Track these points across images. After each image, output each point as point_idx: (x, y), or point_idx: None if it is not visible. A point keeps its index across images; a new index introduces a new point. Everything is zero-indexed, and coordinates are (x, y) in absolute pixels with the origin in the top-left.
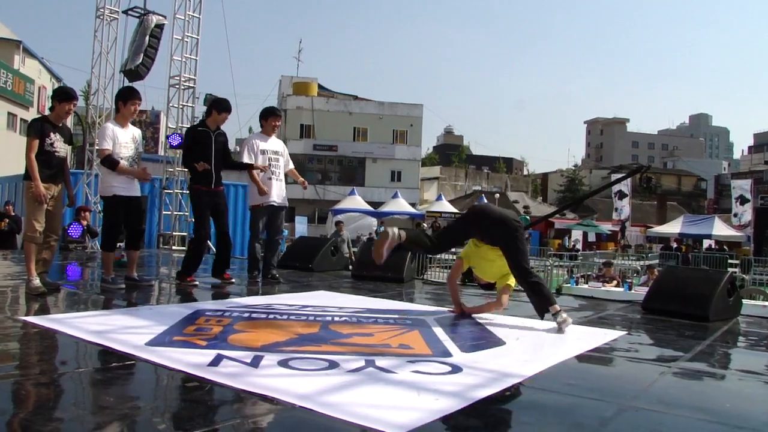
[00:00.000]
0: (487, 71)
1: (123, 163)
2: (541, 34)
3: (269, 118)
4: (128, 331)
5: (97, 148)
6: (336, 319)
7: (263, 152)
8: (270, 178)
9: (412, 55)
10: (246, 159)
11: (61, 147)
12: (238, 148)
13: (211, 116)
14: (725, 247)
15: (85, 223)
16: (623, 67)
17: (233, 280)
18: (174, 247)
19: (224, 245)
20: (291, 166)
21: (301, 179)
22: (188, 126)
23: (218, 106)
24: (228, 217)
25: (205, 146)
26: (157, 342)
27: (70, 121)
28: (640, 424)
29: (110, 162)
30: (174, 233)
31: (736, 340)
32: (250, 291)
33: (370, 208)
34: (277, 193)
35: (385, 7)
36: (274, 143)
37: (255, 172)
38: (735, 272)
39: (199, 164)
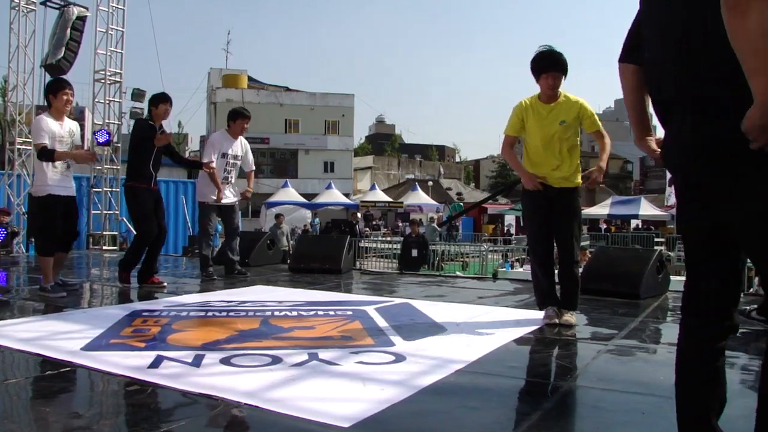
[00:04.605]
0: (417, 59)
1: (59, 152)
2: (471, 22)
3: (238, 120)
4: (62, 336)
5: (33, 143)
6: (276, 313)
7: (224, 155)
8: (222, 182)
9: (342, 45)
10: (205, 158)
11: None
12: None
13: (151, 112)
14: (651, 226)
15: (8, 227)
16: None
17: (164, 284)
18: (105, 247)
19: (157, 247)
20: (252, 168)
21: (250, 188)
22: (115, 122)
23: (153, 101)
24: (164, 217)
25: (149, 141)
26: (93, 346)
27: None
28: (582, 401)
29: (47, 153)
30: (104, 233)
31: (666, 316)
32: (187, 288)
33: (304, 200)
34: (229, 192)
35: None
36: (237, 146)
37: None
38: (662, 250)
39: (208, 166)
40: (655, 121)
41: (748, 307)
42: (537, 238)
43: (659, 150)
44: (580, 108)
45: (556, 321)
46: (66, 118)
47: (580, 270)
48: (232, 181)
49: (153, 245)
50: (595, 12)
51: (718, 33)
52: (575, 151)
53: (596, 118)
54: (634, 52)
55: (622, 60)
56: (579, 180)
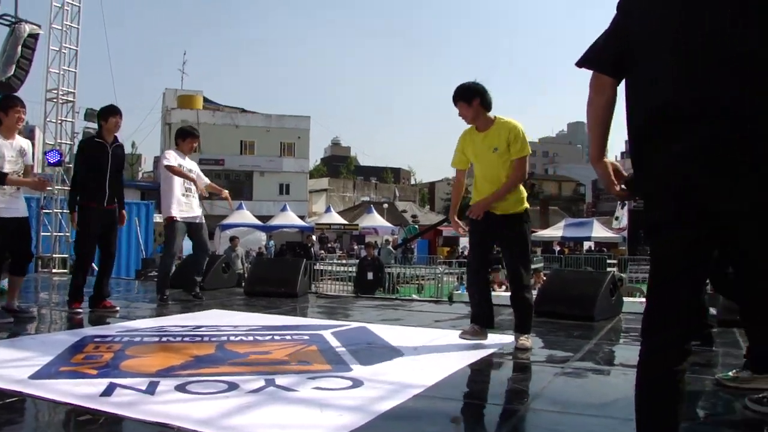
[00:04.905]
0: (373, 82)
1: (11, 178)
2: (427, 45)
3: (187, 138)
4: (9, 364)
5: None
6: (232, 338)
7: (180, 166)
8: (185, 195)
9: (299, 67)
10: (174, 164)
11: None
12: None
13: (101, 127)
14: (604, 248)
15: None
16: (506, 77)
17: (117, 308)
18: (54, 270)
19: (107, 270)
20: (206, 180)
21: (225, 192)
22: (67, 142)
23: (102, 115)
24: (116, 239)
25: (99, 159)
26: (42, 374)
27: None
28: (539, 425)
29: None
30: (54, 255)
31: (619, 337)
32: (140, 313)
33: (259, 222)
34: (196, 208)
35: (271, 17)
36: (189, 162)
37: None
38: (614, 272)
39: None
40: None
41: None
42: (471, 261)
43: (617, 179)
44: (509, 132)
45: (468, 338)
46: (17, 136)
47: (535, 292)
48: (195, 195)
49: (101, 268)
50: (550, 37)
51: None
52: None
53: (527, 144)
54: (617, 66)
55: (603, 71)
56: (524, 205)
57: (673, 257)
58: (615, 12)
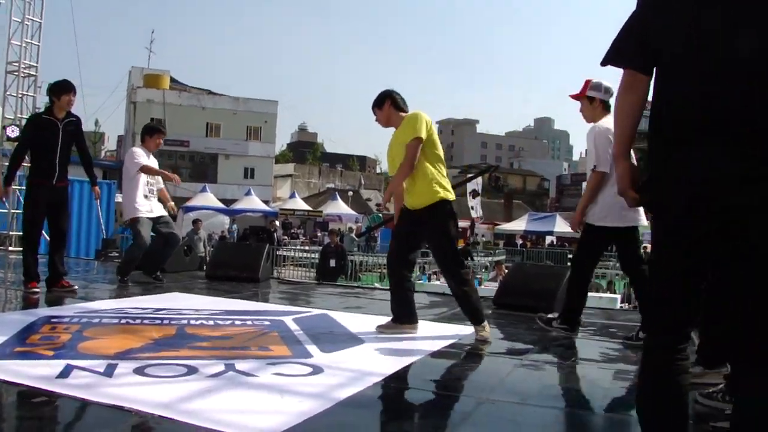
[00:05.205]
0: (342, 69)
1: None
2: (395, 36)
3: (154, 135)
4: None
5: None
6: (192, 322)
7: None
8: (147, 196)
9: (268, 52)
10: (143, 162)
11: None
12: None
13: (53, 103)
14: (566, 243)
15: None
16: (475, 69)
17: (75, 288)
18: (11, 248)
19: (59, 249)
20: (163, 185)
21: (171, 204)
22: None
23: (54, 91)
24: (69, 217)
25: (49, 136)
26: None
27: None
28: (498, 416)
29: None
30: (11, 233)
31: (579, 331)
32: (99, 294)
33: (223, 206)
34: (157, 210)
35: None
36: (153, 161)
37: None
38: None
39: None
40: (574, 141)
41: (551, 315)
42: (391, 251)
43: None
44: (405, 122)
45: (384, 332)
46: None
47: (496, 284)
48: (156, 195)
49: (52, 247)
50: (520, 30)
51: None
52: (422, 167)
53: (414, 130)
54: (650, 63)
55: (638, 68)
56: (438, 195)
57: (681, 252)
58: (636, 5)
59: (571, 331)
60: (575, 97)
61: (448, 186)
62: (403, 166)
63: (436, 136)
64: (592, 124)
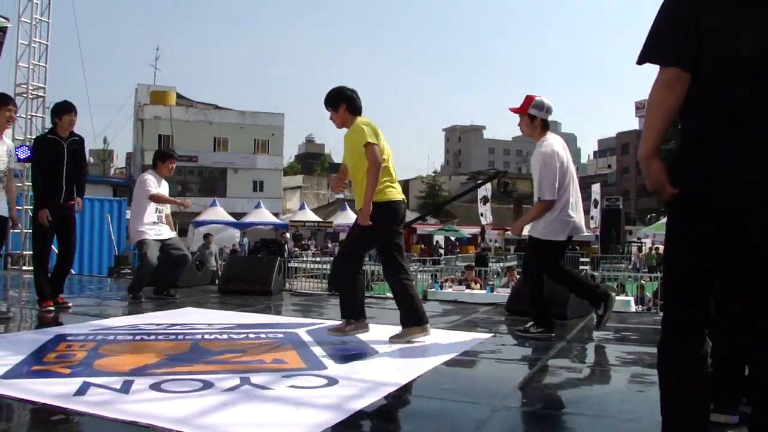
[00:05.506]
0: (346, 79)
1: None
2: (398, 43)
3: (167, 160)
4: None
5: None
6: (206, 336)
7: None
8: (155, 222)
9: (273, 64)
10: (153, 191)
11: None
12: (92, 160)
13: (56, 124)
14: (576, 246)
15: None
16: (479, 75)
17: (69, 304)
18: (24, 268)
19: (64, 266)
20: (169, 211)
21: (186, 202)
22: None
23: (57, 112)
24: (75, 235)
25: (54, 156)
26: (14, 374)
27: None
28: (513, 423)
29: None
30: (24, 252)
31: (592, 336)
32: (113, 311)
33: (233, 219)
34: (165, 233)
35: (246, 14)
36: (165, 187)
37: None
38: (586, 270)
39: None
40: (582, 144)
41: (528, 325)
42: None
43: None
44: (352, 131)
45: (337, 334)
46: (4, 137)
47: (509, 290)
48: (164, 220)
49: (59, 264)
50: (528, 36)
51: None
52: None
53: (360, 136)
54: (687, 58)
55: (681, 65)
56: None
57: (684, 250)
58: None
59: (549, 332)
60: (516, 110)
61: (391, 189)
62: (371, 170)
63: (383, 141)
64: (537, 144)
